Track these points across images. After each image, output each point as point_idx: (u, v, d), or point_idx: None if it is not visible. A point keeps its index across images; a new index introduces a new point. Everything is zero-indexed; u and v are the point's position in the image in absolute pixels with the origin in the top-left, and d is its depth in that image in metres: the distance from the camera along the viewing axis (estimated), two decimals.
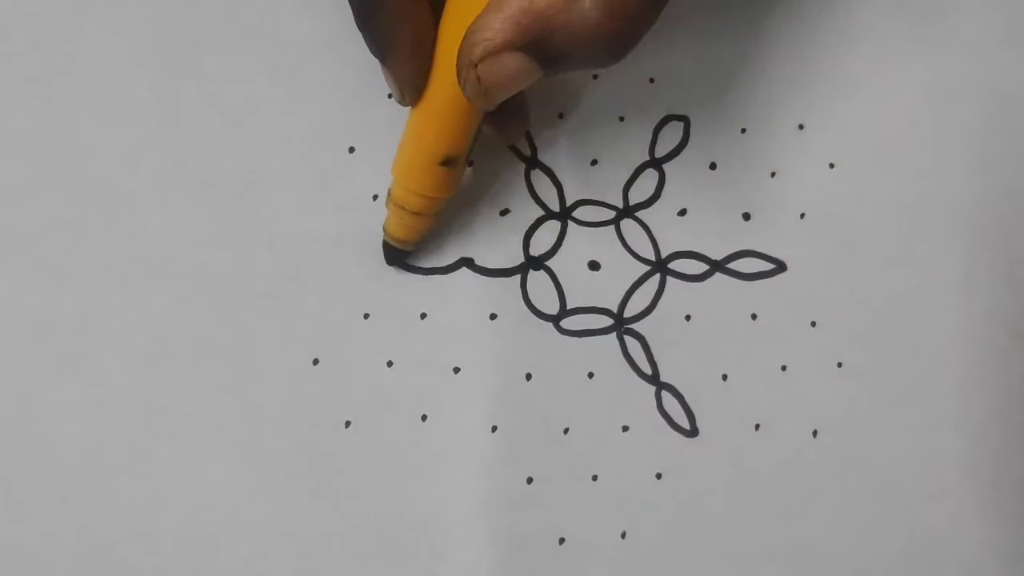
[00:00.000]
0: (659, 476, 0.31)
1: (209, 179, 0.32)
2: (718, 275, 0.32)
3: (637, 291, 0.32)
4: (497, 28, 0.24)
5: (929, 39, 0.33)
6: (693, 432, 0.31)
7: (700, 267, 0.32)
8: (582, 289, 0.32)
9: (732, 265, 0.32)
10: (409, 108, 0.28)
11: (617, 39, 0.24)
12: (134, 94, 0.32)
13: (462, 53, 0.25)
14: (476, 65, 0.24)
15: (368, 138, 0.32)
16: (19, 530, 0.30)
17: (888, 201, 0.32)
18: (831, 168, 0.32)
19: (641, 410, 0.31)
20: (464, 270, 0.31)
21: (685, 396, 0.31)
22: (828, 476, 0.31)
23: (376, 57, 0.27)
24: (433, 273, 0.31)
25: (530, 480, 0.30)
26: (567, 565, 0.30)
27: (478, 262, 0.31)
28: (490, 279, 0.31)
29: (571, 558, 0.30)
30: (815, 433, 0.31)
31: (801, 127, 0.33)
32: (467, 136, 0.28)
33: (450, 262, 0.31)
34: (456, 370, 0.31)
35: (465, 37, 0.25)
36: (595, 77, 0.33)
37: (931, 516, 0.31)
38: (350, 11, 0.32)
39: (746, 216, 0.32)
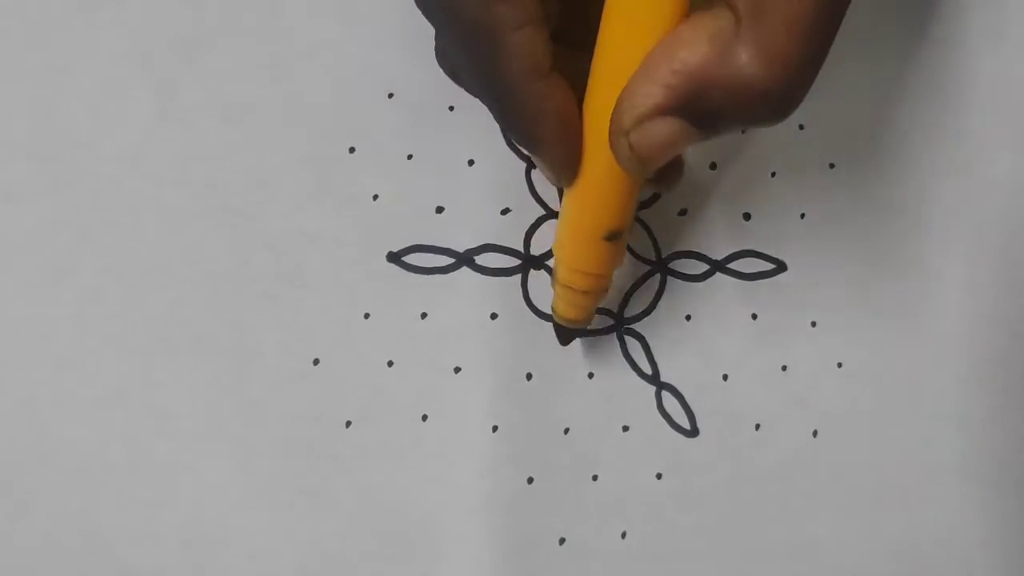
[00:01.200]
0: (659, 476, 0.31)
1: (209, 179, 0.32)
2: (718, 275, 0.32)
3: (637, 291, 0.32)
4: (646, 92, 0.22)
5: (929, 39, 0.33)
6: (693, 432, 0.31)
7: (700, 267, 0.32)
8: None
9: (732, 265, 0.32)
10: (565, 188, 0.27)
11: (780, 95, 0.22)
12: (134, 94, 0.32)
13: (613, 122, 0.23)
14: (628, 133, 0.23)
15: (368, 138, 0.32)
16: (20, 530, 0.30)
17: (888, 201, 0.32)
18: (831, 168, 0.32)
19: (641, 410, 0.31)
20: (464, 270, 0.31)
21: (685, 396, 0.31)
22: (828, 476, 0.31)
23: (525, 149, 0.26)
24: (433, 273, 0.31)
25: (530, 480, 0.30)
26: (567, 565, 0.30)
27: (479, 262, 0.31)
28: (491, 279, 0.31)
29: (571, 558, 0.30)
30: (815, 433, 0.31)
31: (801, 127, 0.33)
32: (629, 207, 0.26)
33: (450, 262, 0.31)
34: (457, 370, 0.31)
35: (616, 106, 0.23)
36: None
37: (931, 516, 0.31)
38: (350, 11, 0.32)
39: (746, 216, 0.32)
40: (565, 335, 0.30)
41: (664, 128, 0.23)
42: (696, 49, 0.22)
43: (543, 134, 0.25)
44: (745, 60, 0.21)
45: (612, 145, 0.24)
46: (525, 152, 0.26)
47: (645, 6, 0.23)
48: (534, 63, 0.24)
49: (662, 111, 0.22)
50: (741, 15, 0.21)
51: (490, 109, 0.26)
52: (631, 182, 0.25)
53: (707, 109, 0.22)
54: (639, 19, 0.23)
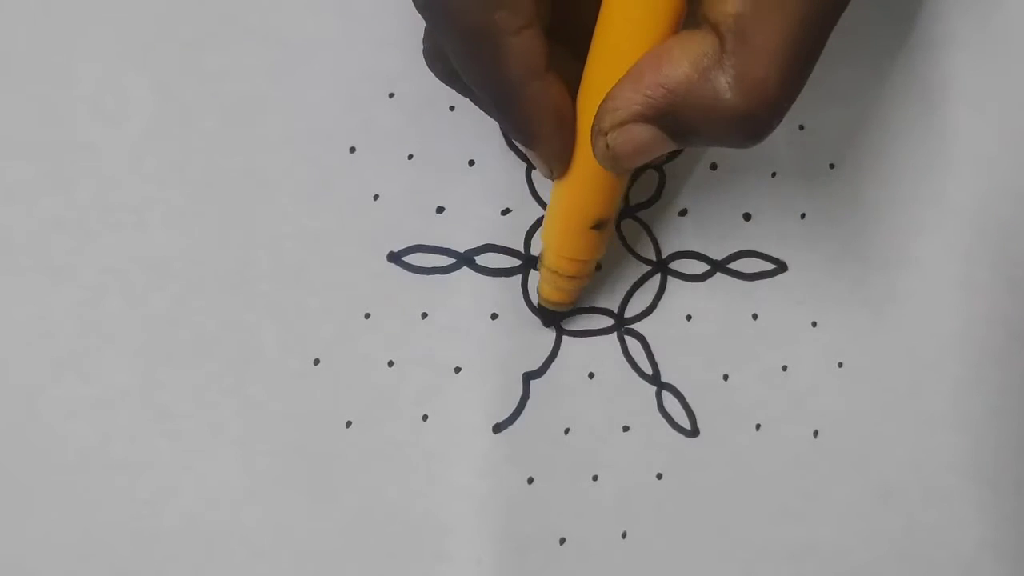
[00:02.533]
0: (659, 476, 0.31)
1: (209, 179, 0.32)
2: (719, 275, 0.32)
3: (638, 291, 0.32)
4: (628, 99, 0.24)
5: (929, 39, 0.33)
6: (694, 432, 0.31)
7: (701, 267, 0.32)
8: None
9: (733, 265, 0.32)
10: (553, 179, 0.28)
11: (756, 122, 0.23)
12: (134, 94, 0.32)
13: (595, 122, 0.25)
14: (607, 135, 0.24)
15: (368, 138, 0.32)
16: (19, 530, 0.30)
17: (888, 201, 0.32)
18: (831, 168, 0.32)
19: (641, 410, 0.31)
20: (465, 270, 0.31)
21: (686, 396, 0.31)
22: (828, 476, 0.31)
23: (522, 145, 0.27)
24: (434, 273, 0.31)
25: (530, 480, 0.30)
26: (567, 565, 0.30)
27: (479, 262, 0.31)
28: (491, 279, 0.31)
29: (571, 558, 0.30)
30: (815, 433, 0.31)
31: (801, 127, 0.33)
32: (617, 198, 0.28)
33: (450, 262, 0.31)
34: (457, 370, 0.31)
35: (599, 108, 0.24)
36: None
37: (931, 516, 0.31)
38: (350, 11, 0.32)
39: (746, 216, 0.32)
40: (549, 317, 0.31)
41: (640, 134, 0.24)
42: (679, 67, 0.23)
43: (540, 131, 0.26)
44: (724, 87, 0.22)
45: (592, 143, 0.25)
46: (521, 148, 0.27)
47: (640, 16, 0.24)
48: (532, 64, 0.25)
49: (640, 119, 0.24)
50: (725, 42, 0.22)
51: (487, 109, 0.27)
52: (617, 176, 0.27)
53: (683, 124, 0.23)
54: (633, 28, 0.24)
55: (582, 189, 0.27)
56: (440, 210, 0.32)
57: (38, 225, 0.31)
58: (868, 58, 0.33)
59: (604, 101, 0.24)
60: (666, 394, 0.31)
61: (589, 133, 0.25)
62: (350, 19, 0.32)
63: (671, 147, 0.24)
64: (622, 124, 0.24)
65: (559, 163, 0.27)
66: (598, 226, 0.28)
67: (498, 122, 0.27)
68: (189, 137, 0.32)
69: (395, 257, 0.31)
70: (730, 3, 0.22)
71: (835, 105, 0.32)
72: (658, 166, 0.32)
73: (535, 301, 0.31)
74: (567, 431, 0.31)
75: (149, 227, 0.31)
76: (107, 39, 0.32)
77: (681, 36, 0.23)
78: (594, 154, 0.25)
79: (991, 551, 0.31)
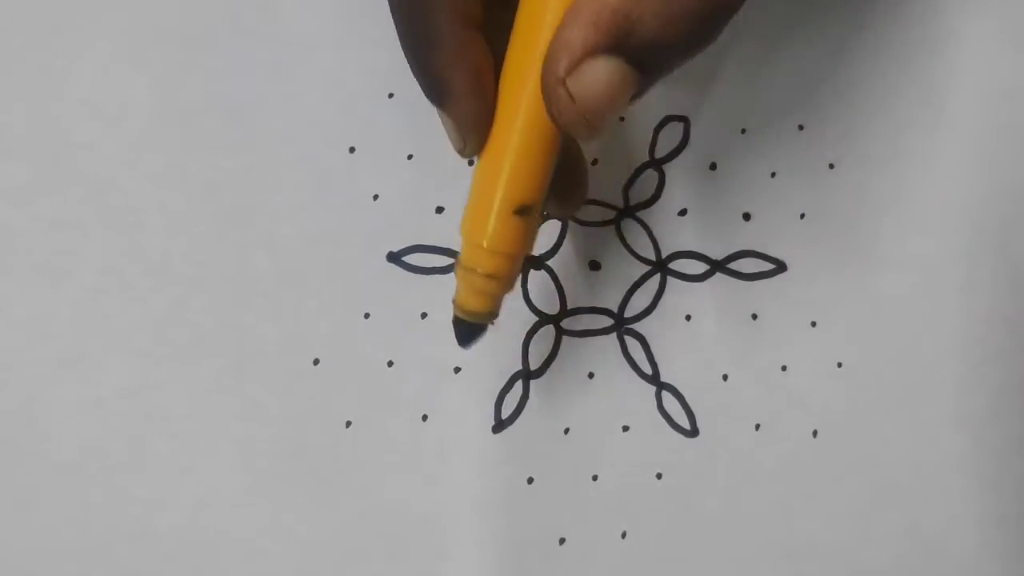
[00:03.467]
0: (659, 476, 0.31)
1: (209, 179, 0.32)
2: (718, 275, 0.32)
3: (637, 291, 0.32)
4: (576, 35, 0.21)
5: (929, 39, 0.33)
6: (693, 432, 0.31)
7: (700, 267, 0.32)
8: (583, 289, 0.32)
9: (732, 265, 0.32)
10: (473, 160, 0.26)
11: (710, 12, 0.21)
12: (134, 94, 0.32)
13: (546, 73, 0.22)
14: (564, 81, 0.22)
15: (368, 138, 0.32)
16: (19, 530, 0.30)
17: (888, 201, 0.32)
18: (831, 168, 0.32)
19: (641, 410, 0.31)
20: None
21: (685, 396, 0.31)
22: (828, 476, 0.31)
23: (434, 102, 0.25)
24: (433, 273, 0.31)
25: (530, 480, 0.30)
26: (567, 565, 0.30)
27: None
28: None
29: (571, 558, 0.30)
30: (815, 433, 0.31)
31: (801, 127, 0.33)
32: (544, 179, 0.24)
33: (450, 262, 0.31)
34: (457, 370, 0.31)
35: (547, 57, 0.22)
36: None
37: (930, 516, 0.31)
38: (350, 11, 0.32)
39: (746, 216, 0.32)
40: (466, 332, 0.26)
41: (602, 70, 0.22)
42: None
43: (455, 85, 0.24)
44: None
45: (549, 100, 0.22)
46: (436, 111, 0.25)
47: None
48: (464, 10, 0.24)
49: (596, 49, 0.21)
50: None
51: (405, 52, 0.25)
52: (547, 151, 0.24)
53: (642, 40, 0.21)
54: None
55: (504, 166, 0.24)
56: (440, 210, 0.32)
57: (38, 225, 0.31)
58: (867, 59, 0.33)
59: (551, 49, 0.22)
60: (666, 394, 0.31)
61: (512, 100, 0.23)
62: (350, 19, 0.32)
63: (637, 85, 0.22)
64: (578, 63, 0.21)
65: (474, 134, 0.24)
66: (522, 211, 0.24)
67: (411, 69, 0.25)
68: (189, 137, 0.32)
69: (395, 257, 0.31)
70: None
71: (835, 105, 0.32)
72: (658, 166, 0.32)
73: (534, 302, 0.31)
74: (567, 431, 0.31)
75: (149, 227, 0.31)
76: (107, 39, 0.32)
77: None
78: (556, 116, 0.22)
79: (991, 551, 0.31)
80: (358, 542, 0.30)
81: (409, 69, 0.32)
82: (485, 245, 0.24)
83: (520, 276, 0.31)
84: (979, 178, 0.32)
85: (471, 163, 0.32)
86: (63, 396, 0.30)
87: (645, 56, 0.22)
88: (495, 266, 0.25)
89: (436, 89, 0.24)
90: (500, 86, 0.24)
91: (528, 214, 0.24)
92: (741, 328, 0.32)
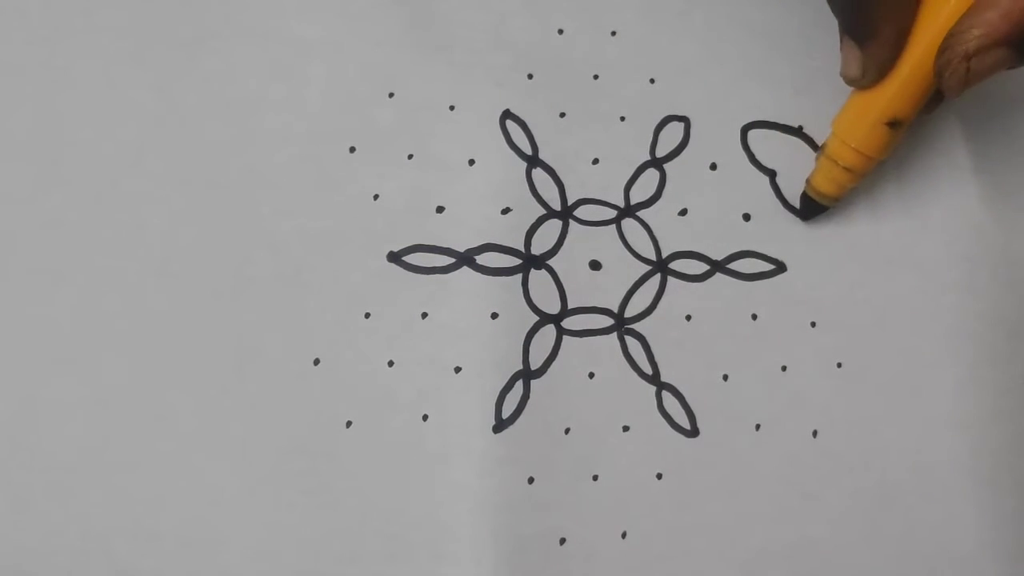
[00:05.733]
0: (659, 476, 0.31)
1: (209, 179, 0.32)
2: (718, 275, 0.32)
3: (638, 291, 0.32)
4: (996, 24, 0.26)
5: None
6: (693, 432, 0.31)
7: (700, 267, 0.32)
8: (583, 289, 0.32)
9: (732, 265, 0.32)
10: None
11: None
12: (134, 94, 0.32)
13: (955, 46, 0.26)
14: (971, 58, 0.26)
15: (368, 138, 0.32)
16: (19, 529, 0.30)
17: (888, 201, 0.32)
18: None
19: (641, 410, 0.31)
20: (465, 270, 0.31)
21: (685, 396, 0.31)
22: (828, 476, 0.31)
23: (853, 38, 0.28)
24: (433, 273, 0.31)
25: (531, 480, 0.30)
26: (567, 565, 0.30)
27: (479, 261, 0.31)
28: (491, 278, 0.31)
29: (571, 558, 0.30)
30: (815, 433, 0.31)
31: (801, 127, 0.33)
32: (921, 102, 0.29)
33: (450, 262, 0.31)
34: (457, 370, 0.31)
35: (959, 32, 0.26)
36: (595, 77, 0.33)
37: (930, 516, 0.31)
38: (353, 11, 0.32)
39: (746, 216, 0.32)
40: (810, 209, 0.32)
41: (998, 55, 0.26)
42: None
43: (882, 33, 0.28)
44: None
45: (946, 66, 0.27)
46: (846, 44, 0.29)
47: None
48: None
49: (1005, 41, 0.26)
50: None
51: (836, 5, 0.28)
52: (923, 85, 0.28)
53: None
54: None
55: (893, 90, 0.28)
56: (440, 210, 0.32)
57: (38, 225, 0.31)
58: None
59: (963, 27, 0.26)
60: (666, 394, 0.31)
61: (920, 40, 0.27)
62: (350, 19, 0.32)
63: (1014, 64, 0.26)
64: (987, 48, 0.26)
65: (878, 71, 0.28)
66: (894, 124, 0.29)
67: (841, 9, 0.28)
68: (189, 137, 0.32)
69: (395, 257, 0.31)
70: None
71: (835, 105, 0.32)
72: (659, 165, 0.32)
73: (535, 302, 0.31)
74: (567, 431, 0.31)
75: (149, 227, 0.31)
76: (107, 39, 0.32)
77: None
78: (944, 79, 0.27)
79: (990, 551, 0.31)
80: (358, 542, 0.30)
81: (410, 68, 0.32)
82: (854, 145, 0.30)
83: (522, 277, 0.31)
84: (979, 178, 0.32)
85: (471, 163, 0.32)
86: (63, 396, 0.30)
87: None
88: (855, 163, 0.30)
89: (864, 31, 0.28)
90: (914, 31, 0.28)
91: (898, 127, 0.29)
92: (741, 328, 0.32)
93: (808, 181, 0.31)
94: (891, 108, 0.29)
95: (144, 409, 0.30)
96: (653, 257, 0.32)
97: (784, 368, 0.32)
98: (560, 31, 0.33)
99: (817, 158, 0.31)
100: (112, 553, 0.30)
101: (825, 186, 0.31)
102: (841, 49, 0.29)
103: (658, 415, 0.31)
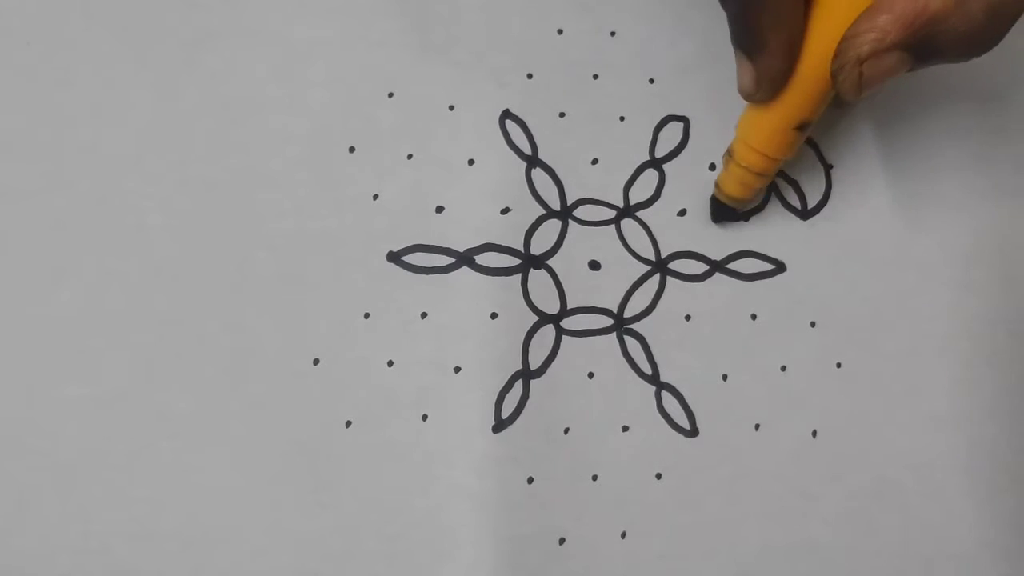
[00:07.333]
0: (659, 476, 0.31)
1: (209, 179, 0.32)
2: (718, 275, 0.32)
3: (637, 291, 0.32)
4: (888, 29, 0.25)
5: None
6: (693, 432, 0.31)
7: (700, 267, 0.32)
8: (583, 289, 0.32)
9: (732, 265, 0.32)
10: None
11: (992, 37, 0.26)
12: (134, 94, 0.32)
13: (847, 51, 0.26)
14: (863, 62, 0.26)
15: (368, 138, 0.32)
16: (19, 529, 0.30)
17: (888, 201, 0.32)
18: (831, 168, 0.32)
19: (641, 410, 0.31)
20: (464, 269, 0.31)
21: (685, 396, 0.31)
22: (827, 476, 0.31)
23: (743, 51, 0.27)
24: (433, 273, 0.31)
25: (530, 480, 0.30)
26: (567, 565, 0.30)
27: (479, 261, 0.31)
28: (491, 278, 0.31)
29: (571, 558, 0.30)
30: (815, 433, 0.31)
31: (801, 128, 0.33)
32: (824, 104, 0.29)
33: (450, 262, 0.31)
34: (457, 369, 0.31)
35: (852, 36, 0.26)
36: (595, 77, 0.33)
37: (929, 515, 0.31)
38: (353, 11, 0.32)
39: (745, 216, 0.32)
40: (722, 213, 0.32)
41: (892, 60, 0.26)
42: None
43: (770, 45, 0.27)
44: (975, 7, 0.25)
45: (841, 71, 0.26)
46: (738, 57, 0.28)
47: None
48: None
49: (900, 46, 0.25)
50: None
51: (729, 10, 0.27)
52: (823, 88, 0.28)
53: (933, 48, 0.25)
54: None
55: (797, 92, 0.28)
56: (440, 210, 0.32)
57: (38, 225, 0.31)
58: None
59: (858, 31, 0.26)
60: (665, 394, 0.31)
61: (815, 49, 0.27)
62: (350, 19, 0.32)
63: (910, 67, 0.26)
64: (880, 52, 0.25)
65: (771, 85, 0.28)
66: (801, 127, 0.29)
67: (727, 12, 0.27)
68: (189, 137, 0.32)
69: (395, 257, 0.32)
70: None
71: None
72: (658, 166, 0.32)
73: (534, 301, 0.31)
74: (567, 431, 0.31)
75: (149, 227, 0.31)
76: (107, 39, 0.32)
77: None
78: (839, 83, 0.26)
79: (989, 550, 0.31)
80: (358, 542, 0.30)
81: (410, 68, 0.32)
82: (762, 150, 0.29)
83: (522, 276, 0.31)
84: (978, 178, 0.32)
85: (471, 163, 0.32)
86: (64, 396, 0.30)
87: (927, 57, 0.26)
88: (764, 167, 0.30)
89: (752, 43, 0.27)
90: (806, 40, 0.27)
91: (805, 129, 0.29)
92: (741, 328, 0.32)
93: (718, 185, 0.31)
94: (797, 114, 0.28)
95: (144, 409, 0.30)
96: (652, 257, 0.32)
97: (783, 368, 0.32)
98: (560, 31, 0.33)
99: (725, 165, 0.30)
100: (112, 553, 0.30)
101: (738, 191, 0.30)
102: (736, 63, 0.28)
103: (657, 415, 0.31)
